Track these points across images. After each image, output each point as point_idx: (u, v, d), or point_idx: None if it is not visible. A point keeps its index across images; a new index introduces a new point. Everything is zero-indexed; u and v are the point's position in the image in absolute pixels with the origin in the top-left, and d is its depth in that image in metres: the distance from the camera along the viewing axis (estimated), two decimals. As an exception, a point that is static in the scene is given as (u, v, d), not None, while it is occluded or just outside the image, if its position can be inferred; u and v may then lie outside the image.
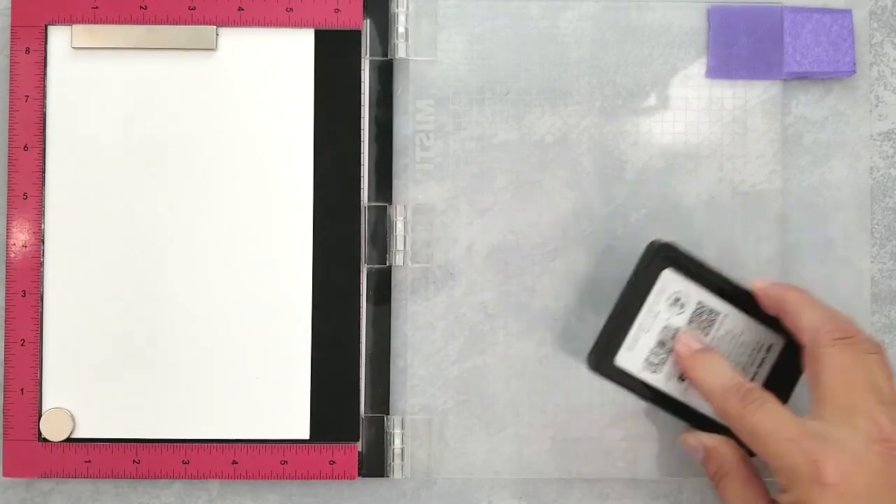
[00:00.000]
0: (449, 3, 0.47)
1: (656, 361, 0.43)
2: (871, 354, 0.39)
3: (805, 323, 0.40)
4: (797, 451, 0.37)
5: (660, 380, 0.43)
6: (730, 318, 0.43)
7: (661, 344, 0.43)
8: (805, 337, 0.40)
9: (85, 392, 0.46)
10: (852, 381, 0.38)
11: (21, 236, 0.46)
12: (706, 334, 0.43)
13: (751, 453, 0.40)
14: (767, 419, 0.38)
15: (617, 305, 0.44)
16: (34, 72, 0.46)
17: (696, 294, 0.43)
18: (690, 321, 0.43)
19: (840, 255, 0.47)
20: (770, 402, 0.39)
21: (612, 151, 0.47)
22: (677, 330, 0.43)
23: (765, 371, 0.44)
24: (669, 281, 0.43)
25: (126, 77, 0.46)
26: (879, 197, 0.48)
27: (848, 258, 0.47)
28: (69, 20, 0.46)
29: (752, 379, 0.43)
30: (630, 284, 0.43)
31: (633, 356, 0.43)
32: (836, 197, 0.47)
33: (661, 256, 0.43)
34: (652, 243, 0.44)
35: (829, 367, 0.38)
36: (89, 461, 0.45)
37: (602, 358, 0.43)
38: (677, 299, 0.43)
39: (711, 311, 0.43)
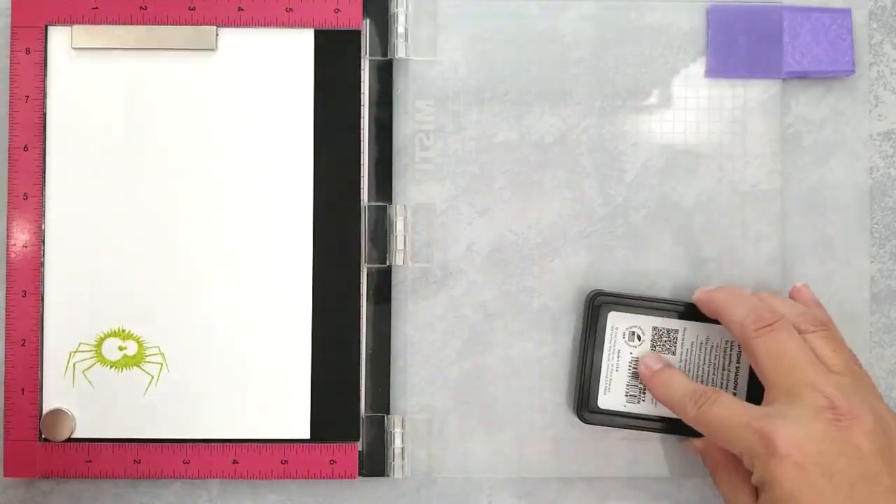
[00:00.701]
0: (449, 3, 0.47)
1: (635, 393, 0.45)
2: (811, 332, 0.41)
3: (732, 320, 0.42)
4: (751, 433, 0.38)
5: (646, 407, 0.45)
6: (689, 330, 0.45)
7: (635, 376, 0.45)
8: (736, 334, 0.42)
9: (85, 392, 0.46)
10: (787, 361, 0.40)
11: (21, 236, 0.46)
12: (672, 352, 0.45)
13: None
14: (720, 411, 0.40)
15: (580, 361, 0.46)
16: (34, 72, 0.46)
17: (647, 322, 0.45)
18: (653, 347, 0.45)
19: (840, 255, 0.47)
20: (723, 397, 0.41)
21: (612, 151, 0.47)
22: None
23: (745, 365, 0.45)
24: (618, 321, 0.45)
25: (126, 77, 0.46)
26: (879, 197, 0.48)
27: (848, 258, 0.47)
28: (69, 20, 0.46)
29: (735, 374, 0.45)
30: (584, 338, 0.46)
31: (613, 396, 0.45)
32: (836, 197, 0.47)
33: (601, 304, 0.45)
34: (587, 296, 0.46)
35: (762, 354, 0.40)
36: (90, 461, 0.45)
37: (586, 410, 0.45)
38: (633, 333, 0.45)
39: (668, 330, 0.45)
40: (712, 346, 0.45)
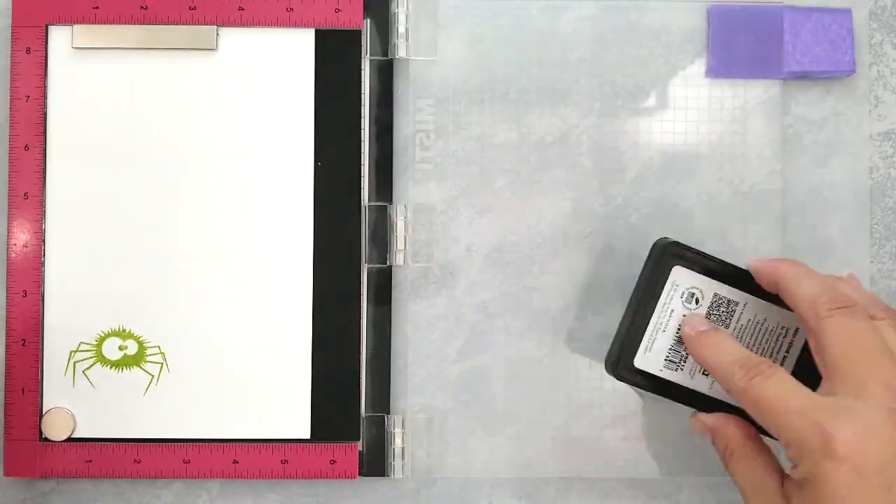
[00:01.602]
0: (449, 3, 0.47)
1: (677, 360, 0.42)
2: (880, 320, 0.37)
3: (800, 296, 0.38)
4: (806, 423, 0.34)
5: (683, 377, 0.42)
6: (749, 306, 0.42)
7: (680, 341, 0.42)
8: (803, 311, 0.38)
9: (85, 392, 0.46)
10: (860, 350, 0.36)
11: (22, 236, 0.46)
12: (727, 325, 0.42)
13: (763, 432, 0.39)
14: (774, 390, 0.36)
15: (629, 308, 0.43)
16: (35, 72, 0.46)
17: (710, 287, 0.42)
18: (708, 315, 0.42)
19: (840, 255, 0.47)
20: (779, 373, 0.37)
21: (612, 151, 0.47)
22: None
23: (794, 355, 0.42)
24: (681, 278, 0.42)
25: (126, 77, 0.46)
26: (879, 197, 0.48)
27: (848, 258, 0.47)
28: (70, 20, 0.46)
29: (782, 364, 0.42)
30: (640, 286, 0.43)
31: (651, 357, 0.42)
32: (836, 197, 0.47)
33: (670, 254, 0.42)
34: (657, 242, 0.43)
35: (832, 338, 0.36)
36: (90, 461, 0.45)
37: (620, 362, 0.42)
38: (692, 294, 0.42)
39: (729, 301, 0.42)
40: (767, 329, 0.42)
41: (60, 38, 0.46)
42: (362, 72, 0.47)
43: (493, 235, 0.47)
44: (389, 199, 0.47)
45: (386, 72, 0.47)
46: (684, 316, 0.42)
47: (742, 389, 0.37)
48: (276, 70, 0.47)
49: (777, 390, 0.36)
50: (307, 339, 0.46)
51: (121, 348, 0.46)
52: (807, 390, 0.36)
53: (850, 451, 0.33)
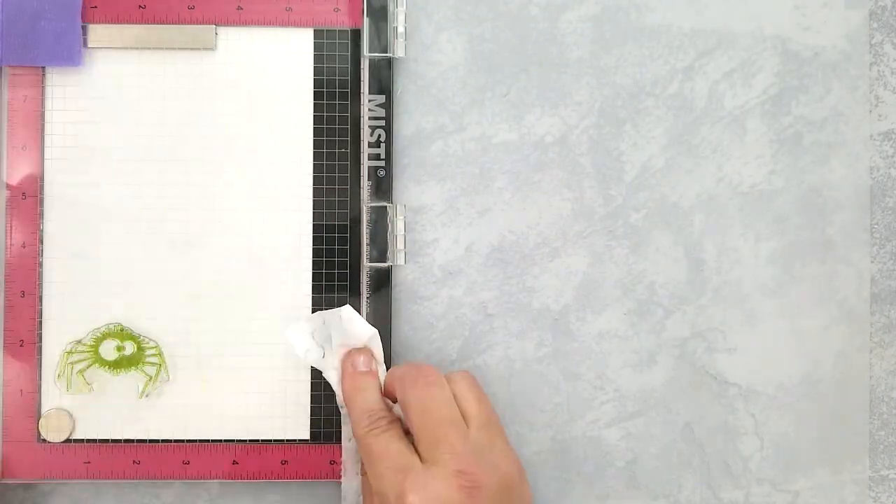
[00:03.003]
0: (449, 3, 0.47)
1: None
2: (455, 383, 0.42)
3: (387, 378, 0.43)
4: (390, 480, 0.39)
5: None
6: None
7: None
8: (390, 390, 0.42)
9: (84, 393, 0.46)
10: (432, 419, 0.40)
11: (20, 236, 0.46)
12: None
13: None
14: (380, 445, 0.40)
15: None
16: (33, 71, 0.46)
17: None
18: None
19: (840, 255, 0.47)
20: (391, 431, 0.41)
21: (612, 151, 0.47)
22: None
23: None
24: None
25: (125, 77, 0.46)
26: (879, 197, 0.48)
27: (848, 258, 0.47)
28: (68, 20, 0.46)
29: None
30: None
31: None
32: (836, 197, 0.47)
33: None
34: None
35: (414, 408, 0.40)
36: (89, 462, 0.45)
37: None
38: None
39: None
40: None
41: (58, 38, 0.46)
42: (362, 71, 0.46)
43: (493, 235, 0.47)
44: (389, 199, 0.47)
45: (385, 71, 0.47)
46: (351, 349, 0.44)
47: (360, 437, 0.41)
48: (275, 69, 0.46)
49: (383, 446, 0.40)
50: (307, 339, 0.46)
51: (119, 349, 0.46)
52: (408, 452, 0.40)
53: None
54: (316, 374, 0.46)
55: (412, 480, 0.38)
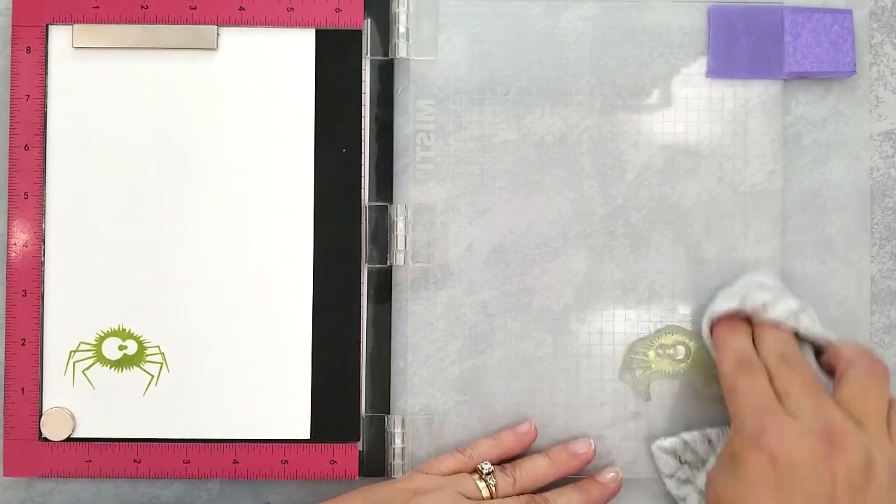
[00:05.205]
0: (449, 3, 0.47)
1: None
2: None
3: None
4: (750, 417, 0.40)
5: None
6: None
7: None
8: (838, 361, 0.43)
9: (85, 392, 0.46)
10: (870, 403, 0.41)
11: (22, 236, 0.46)
12: None
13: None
14: (745, 384, 0.42)
15: None
16: (35, 71, 0.46)
17: None
18: None
19: (840, 255, 0.47)
20: (757, 375, 0.41)
21: (612, 151, 0.47)
22: None
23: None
24: None
25: (127, 77, 0.46)
26: (879, 197, 0.48)
27: (848, 258, 0.47)
28: (70, 20, 0.46)
29: None
30: None
31: None
32: (836, 197, 0.47)
33: None
34: None
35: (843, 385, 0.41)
36: (90, 461, 0.45)
37: None
38: None
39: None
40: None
41: (60, 38, 0.46)
42: (363, 72, 0.47)
43: (493, 235, 0.47)
44: (389, 199, 0.47)
45: (386, 72, 0.47)
46: None
47: (725, 374, 0.43)
48: (276, 70, 0.47)
49: (749, 386, 0.42)
50: (307, 339, 0.46)
51: (121, 348, 0.46)
52: (772, 397, 0.41)
53: (775, 447, 0.39)
54: (316, 374, 0.46)
55: (772, 420, 0.39)
